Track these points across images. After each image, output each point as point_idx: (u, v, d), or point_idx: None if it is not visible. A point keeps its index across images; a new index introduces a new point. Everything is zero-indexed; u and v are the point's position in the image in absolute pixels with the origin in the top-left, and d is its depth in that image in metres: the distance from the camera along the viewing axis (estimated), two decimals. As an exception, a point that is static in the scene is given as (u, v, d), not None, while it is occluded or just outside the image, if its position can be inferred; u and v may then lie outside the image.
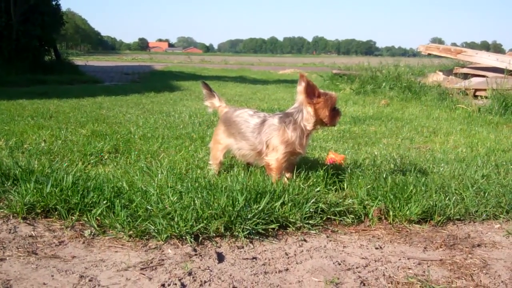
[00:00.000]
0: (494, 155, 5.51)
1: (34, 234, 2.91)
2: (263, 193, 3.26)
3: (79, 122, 6.86)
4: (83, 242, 2.84)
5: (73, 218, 3.09)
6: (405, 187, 3.59)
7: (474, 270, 2.63)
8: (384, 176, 3.89)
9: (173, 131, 6.31)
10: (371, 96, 12.86)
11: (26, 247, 2.72)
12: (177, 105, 10.17)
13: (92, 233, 2.94)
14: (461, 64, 14.72)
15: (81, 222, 3.10)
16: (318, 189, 3.57)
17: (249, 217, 3.04)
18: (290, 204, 3.22)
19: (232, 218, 2.99)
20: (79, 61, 25.10)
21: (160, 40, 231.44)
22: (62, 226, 3.03)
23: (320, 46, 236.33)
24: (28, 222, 3.08)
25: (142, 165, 4.23)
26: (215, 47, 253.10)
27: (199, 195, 3.20)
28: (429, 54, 14.21)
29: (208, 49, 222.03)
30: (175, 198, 3.19)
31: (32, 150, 4.68)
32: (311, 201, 3.29)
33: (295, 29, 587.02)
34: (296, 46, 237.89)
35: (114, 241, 2.87)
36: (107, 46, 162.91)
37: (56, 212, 3.16)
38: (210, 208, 3.03)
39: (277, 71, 30.66)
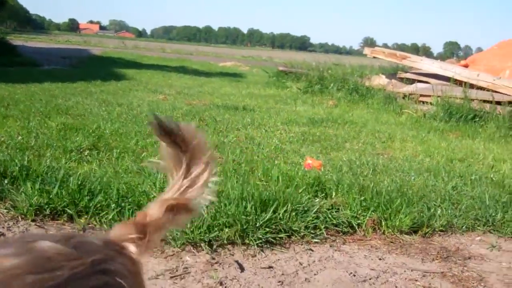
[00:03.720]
0: (453, 165, 5.83)
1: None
2: (267, 202, 3.38)
3: (41, 113, 6.71)
4: (99, 247, 2.86)
5: (82, 221, 3.10)
6: (395, 199, 3.79)
7: (473, 283, 2.86)
8: (371, 185, 4.08)
9: (141, 126, 6.30)
10: (319, 96, 13.14)
11: (45, 252, 2.71)
12: (128, 96, 10.07)
13: (106, 238, 2.96)
14: (400, 68, 15.27)
15: (90, 225, 3.11)
16: (317, 200, 3.73)
17: (257, 225, 3.15)
18: (294, 213, 3.36)
19: (244, 227, 3.10)
20: (17, 41, 24.23)
21: (91, 22, 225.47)
22: (74, 229, 3.04)
23: (255, 38, 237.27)
24: (38, 224, 3.07)
25: (131, 165, 4.24)
26: (148, 32, 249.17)
27: (207, 202, 3.27)
28: (374, 57, 14.62)
29: (140, 34, 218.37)
30: (183, 204, 3.25)
31: (10, 144, 4.58)
32: (313, 211, 3.44)
33: (230, 19, 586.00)
34: (231, 36, 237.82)
35: (129, 246, 2.90)
36: (36, 25, 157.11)
37: (65, 215, 3.16)
38: (223, 216, 3.12)
39: (217, 62, 30.61)
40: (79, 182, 3.40)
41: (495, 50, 13.43)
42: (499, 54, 12.91)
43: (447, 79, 11.69)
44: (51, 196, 3.21)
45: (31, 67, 16.12)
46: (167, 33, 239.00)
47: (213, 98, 10.97)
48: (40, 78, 11.72)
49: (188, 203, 1.29)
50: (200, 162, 1.31)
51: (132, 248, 1.06)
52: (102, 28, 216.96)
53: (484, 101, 10.33)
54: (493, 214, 3.94)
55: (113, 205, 3.21)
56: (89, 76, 13.38)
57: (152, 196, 3.40)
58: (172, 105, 8.85)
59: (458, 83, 11.25)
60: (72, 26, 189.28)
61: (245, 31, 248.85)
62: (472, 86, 10.69)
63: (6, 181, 3.45)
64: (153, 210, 1.24)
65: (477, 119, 9.96)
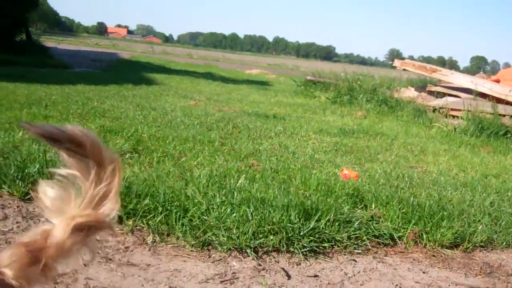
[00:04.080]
0: (488, 180, 5.80)
1: (98, 238, 2.95)
2: (310, 211, 3.42)
3: (79, 115, 6.84)
4: (149, 249, 2.93)
5: (130, 223, 3.16)
6: (438, 213, 3.80)
7: (518, 300, 2.85)
8: (411, 198, 4.09)
9: (177, 131, 6.38)
10: (348, 107, 13.13)
11: (98, 252, 2.78)
12: (160, 100, 10.19)
13: (154, 240, 3.03)
14: (429, 81, 15.19)
15: (138, 228, 3.18)
16: (358, 211, 3.75)
17: (301, 234, 3.19)
18: (336, 224, 3.39)
19: (289, 235, 3.14)
20: (48, 42, 24.65)
21: (119, 26, 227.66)
22: (123, 232, 3.11)
23: (280, 46, 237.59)
24: (87, 224, 3.12)
25: (172, 169, 4.31)
26: (175, 37, 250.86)
27: (252, 208, 3.33)
28: (404, 69, 14.58)
29: (167, 39, 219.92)
30: (228, 210, 3.31)
31: (53, 146, 4.67)
32: (356, 222, 3.47)
33: (256, 27, 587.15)
34: (256, 44, 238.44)
35: (177, 249, 2.97)
36: (65, 27, 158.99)
37: (113, 216, 3.22)
38: (268, 223, 3.16)
39: (243, 70, 30.78)
40: (127, 185, 3.47)
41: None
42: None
43: (477, 94, 11.62)
44: (99, 197, 3.27)
45: (62, 69, 16.40)
46: (193, 39, 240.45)
47: (242, 105, 11.04)
48: (73, 80, 11.92)
49: (102, 219, 1.05)
50: (109, 167, 1.05)
51: (8, 274, 0.90)
52: (129, 32, 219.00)
53: (515, 117, 10.27)
54: (534, 232, 3.92)
55: (160, 208, 3.27)
56: (120, 80, 13.56)
57: (197, 200, 3.46)
58: (204, 111, 8.93)
59: (488, 98, 11.18)
60: (100, 29, 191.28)
61: (270, 39, 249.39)
62: (499, 101, 10.63)
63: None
64: (57, 230, 0.99)
65: (508, 135, 9.87)
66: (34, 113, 6.48)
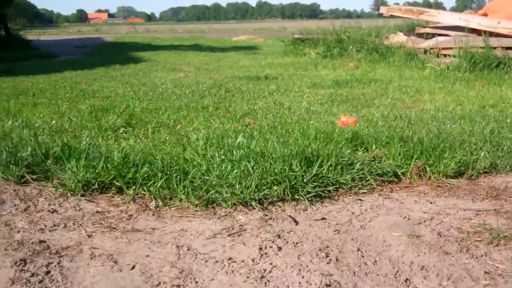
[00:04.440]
0: (486, 111, 5.77)
1: (100, 210, 2.95)
2: (311, 158, 3.40)
3: (68, 98, 6.78)
4: (153, 215, 2.91)
5: (131, 192, 3.14)
6: (439, 145, 3.77)
7: (528, 217, 2.84)
8: (411, 135, 4.07)
9: (169, 102, 6.33)
10: (338, 59, 13.02)
11: (101, 223, 2.77)
12: (149, 76, 10.11)
13: (157, 205, 3.01)
14: (416, 24, 15.04)
15: (139, 195, 3.16)
16: (360, 153, 3.73)
17: (305, 181, 3.17)
18: (339, 167, 3.37)
19: (292, 183, 3.12)
20: (30, 36, 24.38)
21: (99, 11, 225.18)
22: (124, 201, 3.09)
23: (264, 11, 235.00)
24: (88, 199, 3.12)
25: (168, 137, 4.28)
26: (157, 15, 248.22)
27: (253, 163, 3.30)
28: (391, 16, 14.43)
29: (150, 18, 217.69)
30: (229, 167, 3.28)
31: (46, 129, 4.63)
32: (357, 163, 3.45)
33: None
34: (240, 11, 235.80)
35: (182, 211, 2.95)
36: (44, 19, 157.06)
37: (112, 188, 3.21)
38: (271, 174, 3.14)
39: (230, 37, 30.52)
40: (123, 156, 3.44)
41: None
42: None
43: (468, 30, 11.51)
44: (97, 170, 3.26)
45: (48, 59, 16.23)
46: (175, 15, 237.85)
47: (233, 71, 10.95)
48: (59, 68, 11.82)
49: None
50: None
51: None
52: (110, 16, 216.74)
53: (507, 48, 10.17)
54: (536, 153, 3.90)
55: (159, 174, 3.25)
56: (107, 62, 13.45)
57: (196, 162, 3.43)
58: (195, 81, 8.87)
59: (477, 33, 11.08)
60: (81, 17, 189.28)
61: (253, 4, 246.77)
62: (491, 34, 10.53)
63: (49, 161, 3.50)
64: None
65: (501, 66, 9.80)
66: (22, 103, 6.42)
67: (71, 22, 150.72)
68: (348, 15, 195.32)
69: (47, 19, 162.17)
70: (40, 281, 2.08)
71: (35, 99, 6.71)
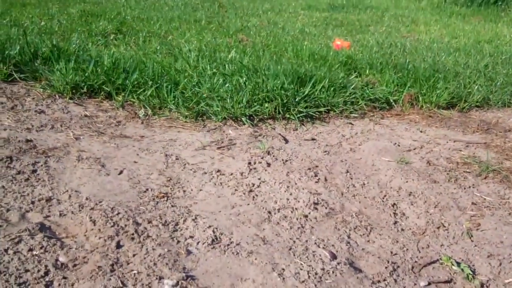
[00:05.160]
0: (481, 45, 5.69)
1: (88, 114, 2.89)
2: (304, 78, 3.34)
3: (59, 1, 6.56)
4: (142, 123, 2.86)
5: (120, 99, 3.07)
6: (433, 75, 3.73)
7: (516, 153, 2.85)
8: (406, 63, 4.02)
9: (161, 12, 6.17)
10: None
11: (89, 127, 2.72)
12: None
13: (146, 114, 2.96)
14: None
15: (128, 103, 3.09)
16: (353, 77, 3.68)
17: (296, 100, 3.13)
18: (332, 89, 3.32)
19: (284, 101, 3.07)
20: None
21: None
22: (113, 107, 3.03)
23: None
24: (76, 102, 3.05)
25: (159, 47, 4.18)
26: None
27: (245, 78, 3.24)
28: None
29: None
30: (221, 80, 3.21)
31: (35, 29, 4.48)
32: (350, 87, 3.41)
33: None
34: None
35: (171, 121, 2.91)
36: None
37: (101, 93, 3.14)
38: (263, 91, 3.09)
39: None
40: (113, 61, 3.35)
41: None
42: None
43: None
44: (86, 74, 3.17)
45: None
46: None
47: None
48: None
49: None
50: None
51: None
52: None
53: (507, -15, 9.97)
54: (529, 90, 3.88)
55: (150, 83, 3.17)
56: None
57: (187, 73, 3.36)
58: (187, -8, 8.61)
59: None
60: None
61: None
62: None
63: (38, 62, 3.40)
64: None
65: (499, 3, 9.66)
66: (11, 2, 6.21)
67: None
68: None
69: None
70: (26, 179, 2.04)
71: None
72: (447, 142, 2.93)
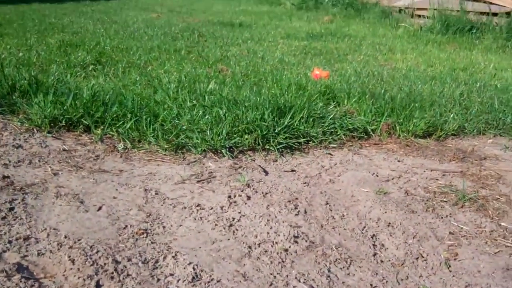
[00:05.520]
0: (456, 73, 5.80)
1: (66, 148, 2.89)
2: (284, 109, 3.37)
3: (37, 31, 6.57)
4: (120, 156, 2.86)
5: (99, 132, 3.07)
6: (410, 104, 3.79)
7: (492, 181, 2.89)
8: (383, 92, 4.08)
9: (141, 42, 6.20)
10: (314, 12, 12.92)
11: (67, 161, 2.71)
12: (120, 14, 9.88)
13: (126, 147, 2.96)
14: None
15: (107, 136, 3.10)
16: (330, 107, 3.72)
17: (276, 131, 3.15)
18: (311, 120, 3.36)
19: (264, 133, 3.10)
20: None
21: None
22: (92, 140, 3.03)
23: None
24: (54, 136, 3.04)
25: (138, 77, 4.20)
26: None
27: (225, 110, 3.26)
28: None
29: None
30: (200, 112, 3.23)
31: (12, 61, 4.48)
32: (329, 117, 3.45)
33: None
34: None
35: (150, 154, 2.91)
36: None
37: (80, 126, 3.14)
38: (243, 123, 3.11)
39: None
40: (92, 94, 3.36)
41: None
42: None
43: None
44: (65, 107, 3.17)
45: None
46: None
47: (206, 15, 10.77)
48: (26, 0, 11.43)
49: None
50: None
51: None
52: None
53: (481, 13, 10.17)
54: (503, 118, 3.95)
55: (129, 115, 3.18)
56: (76, -4, 13.05)
57: (167, 105, 3.38)
58: (167, 23, 8.69)
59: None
60: None
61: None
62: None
63: (16, 95, 3.40)
64: None
65: (474, 31, 9.82)
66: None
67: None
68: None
69: None
70: (3, 218, 2.03)
71: (2, 29, 6.48)
72: (424, 171, 2.98)
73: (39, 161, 2.66)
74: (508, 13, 10.00)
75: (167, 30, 7.49)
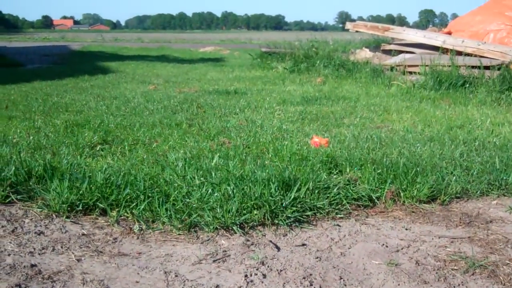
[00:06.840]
0: (454, 132, 5.92)
1: (85, 233, 2.97)
2: (289, 182, 3.47)
3: (42, 112, 6.72)
4: (137, 238, 2.93)
5: (114, 214, 3.16)
6: (411, 169, 3.89)
7: (500, 245, 2.95)
8: (384, 158, 4.18)
9: (143, 118, 6.34)
10: (306, 75, 13.17)
11: (87, 246, 2.79)
12: (119, 88, 10.07)
13: (141, 228, 3.04)
14: (382, 39, 15.29)
15: (122, 218, 3.18)
16: (334, 176, 3.82)
17: (284, 205, 3.24)
18: (316, 191, 3.45)
19: (272, 207, 3.18)
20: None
21: (65, 18, 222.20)
22: (108, 223, 3.11)
23: (229, 21, 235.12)
24: (72, 220, 3.13)
25: (145, 156, 4.31)
26: (122, 23, 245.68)
27: (232, 186, 3.35)
28: (357, 31, 14.65)
29: (115, 25, 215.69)
30: (210, 190, 3.32)
31: (23, 145, 4.60)
32: (334, 188, 3.53)
33: (204, 4, 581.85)
34: (205, 21, 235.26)
35: (165, 235, 2.98)
36: (9, 24, 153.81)
37: (96, 210, 3.23)
38: (251, 199, 3.20)
39: (197, 48, 30.54)
40: (106, 177, 3.47)
41: (475, 15, 13.42)
42: (480, 19, 12.94)
43: (431, 47, 11.77)
44: (81, 191, 3.27)
45: (14, 68, 15.94)
46: (141, 23, 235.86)
47: (202, 84, 10.99)
48: (28, 78, 11.68)
49: None
50: None
51: None
52: (76, 22, 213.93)
53: (472, 67, 10.39)
54: (505, 178, 4.03)
55: (142, 196, 3.27)
56: (75, 72, 13.33)
57: (177, 184, 3.46)
58: (165, 94, 8.87)
59: (443, 51, 11.32)
60: (46, 23, 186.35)
61: (219, 14, 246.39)
62: (459, 53, 10.77)
63: (32, 181, 3.51)
64: None
65: (467, 85, 10.01)
66: (-3, 115, 6.35)
67: (36, 28, 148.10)
68: (312, 27, 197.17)
69: (11, 25, 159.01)
70: (29, 311, 2.08)
71: (9, 112, 6.64)
72: (433, 239, 3.04)
73: (61, 247, 2.75)
74: (499, 66, 10.24)
75: (166, 103, 7.65)
